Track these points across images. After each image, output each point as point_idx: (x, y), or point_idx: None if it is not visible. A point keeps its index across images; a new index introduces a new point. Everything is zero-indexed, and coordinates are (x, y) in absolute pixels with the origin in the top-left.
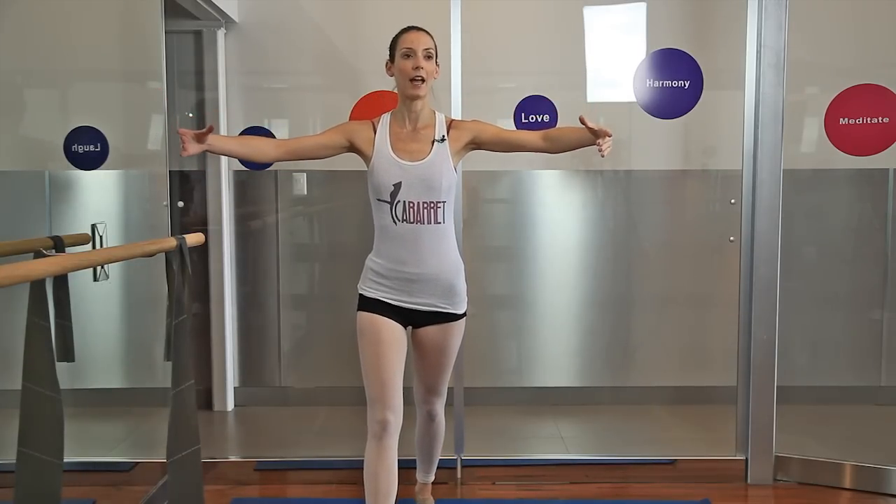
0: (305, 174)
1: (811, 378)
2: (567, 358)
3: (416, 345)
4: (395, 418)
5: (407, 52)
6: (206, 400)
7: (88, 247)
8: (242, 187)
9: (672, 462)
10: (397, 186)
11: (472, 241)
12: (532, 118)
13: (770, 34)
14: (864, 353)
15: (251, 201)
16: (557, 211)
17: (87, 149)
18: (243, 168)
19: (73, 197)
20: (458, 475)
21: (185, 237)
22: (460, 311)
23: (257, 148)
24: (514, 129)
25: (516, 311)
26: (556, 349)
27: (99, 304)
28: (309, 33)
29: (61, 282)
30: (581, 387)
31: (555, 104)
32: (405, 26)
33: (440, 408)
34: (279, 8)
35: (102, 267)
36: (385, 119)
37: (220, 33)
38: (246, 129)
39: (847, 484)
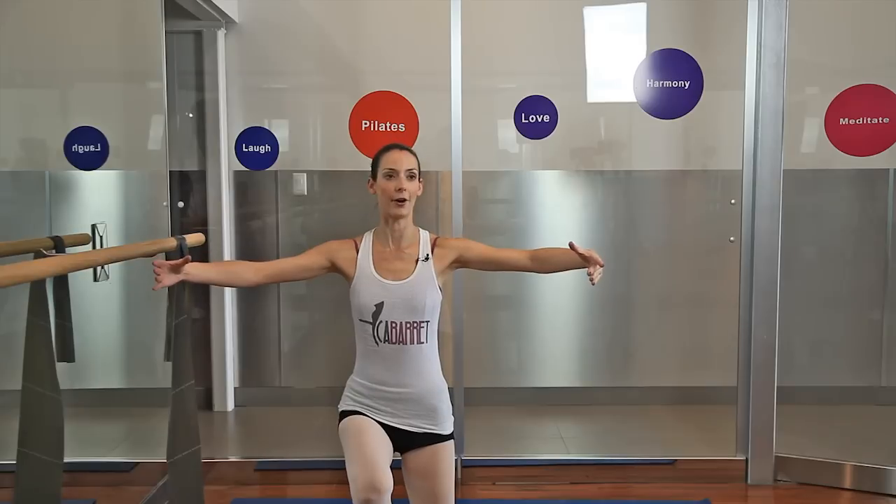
0: (305, 174)
1: (811, 378)
2: (567, 358)
3: (407, 475)
4: (380, 497)
5: (389, 173)
6: (206, 400)
7: (88, 247)
8: (242, 187)
9: (672, 462)
10: (379, 307)
11: None
12: (532, 118)
13: (770, 34)
14: (864, 353)
15: (251, 201)
16: (557, 211)
17: (87, 149)
18: (243, 168)
19: (73, 197)
20: (458, 475)
21: (185, 237)
22: (446, 432)
23: (237, 274)
24: (514, 126)
25: (516, 312)
26: (556, 349)
27: (99, 304)
28: (309, 33)
29: (61, 282)
30: (581, 387)
31: (555, 104)
32: (387, 145)
33: None
34: (279, 8)
35: (102, 267)
36: (367, 238)
37: (220, 33)
38: (246, 130)
39: (847, 484)
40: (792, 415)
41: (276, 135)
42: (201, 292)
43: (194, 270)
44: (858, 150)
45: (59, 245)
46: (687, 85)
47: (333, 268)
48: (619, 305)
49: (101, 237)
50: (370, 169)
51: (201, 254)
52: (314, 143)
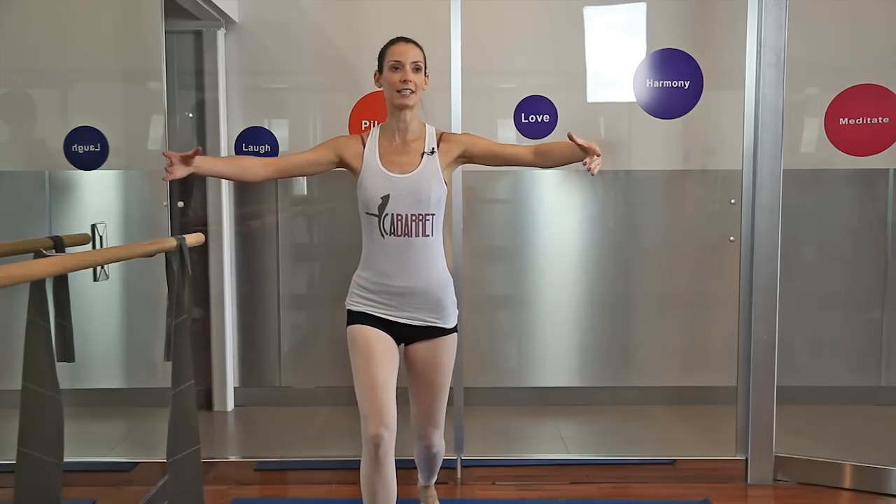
0: None
1: (811, 378)
2: (567, 358)
3: (409, 365)
4: (389, 434)
5: (395, 65)
6: (206, 400)
7: (88, 247)
8: (242, 187)
9: (672, 462)
10: (385, 199)
11: (472, 241)
12: (532, 118)
13: (770, 34)
14: (864, 353)
15: (251, 201)
16: (557, 211)
17: (87, 149)
18: None
19: (73, 197)
20: (458, 475)
21: (185, 237)
22: (450, 326)
23: (246, 167)
24: (514, 126)
25: (516, 311)
26: (556, 349)
27: (99, 304)
28: (309, 33)
29: (61, 282)
30: (581, 387)
31: (555, 104)
32: (394, 37)
33: (439, 439)
34: (279, 8)
35: (102, 267)
36: (374, 132)
37: (220, 33)
38: (246, 129)
39: (847, 484)
40: (792, 414)
41: (275, 135)
42: (201, 292)
43: (204, 164)
44: (858, 150)
45: (58, 245)
46: (687, 85)
47: (341, 162)
48: (619, 305)
49: (101, 237)
50: (377, 62)
51: (201, 253)
52: (314, 142)
